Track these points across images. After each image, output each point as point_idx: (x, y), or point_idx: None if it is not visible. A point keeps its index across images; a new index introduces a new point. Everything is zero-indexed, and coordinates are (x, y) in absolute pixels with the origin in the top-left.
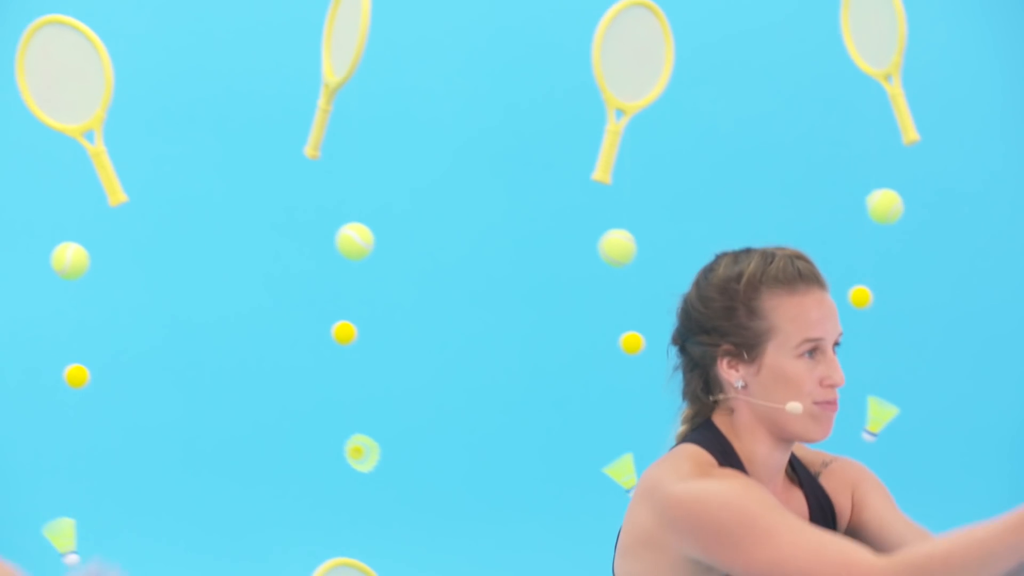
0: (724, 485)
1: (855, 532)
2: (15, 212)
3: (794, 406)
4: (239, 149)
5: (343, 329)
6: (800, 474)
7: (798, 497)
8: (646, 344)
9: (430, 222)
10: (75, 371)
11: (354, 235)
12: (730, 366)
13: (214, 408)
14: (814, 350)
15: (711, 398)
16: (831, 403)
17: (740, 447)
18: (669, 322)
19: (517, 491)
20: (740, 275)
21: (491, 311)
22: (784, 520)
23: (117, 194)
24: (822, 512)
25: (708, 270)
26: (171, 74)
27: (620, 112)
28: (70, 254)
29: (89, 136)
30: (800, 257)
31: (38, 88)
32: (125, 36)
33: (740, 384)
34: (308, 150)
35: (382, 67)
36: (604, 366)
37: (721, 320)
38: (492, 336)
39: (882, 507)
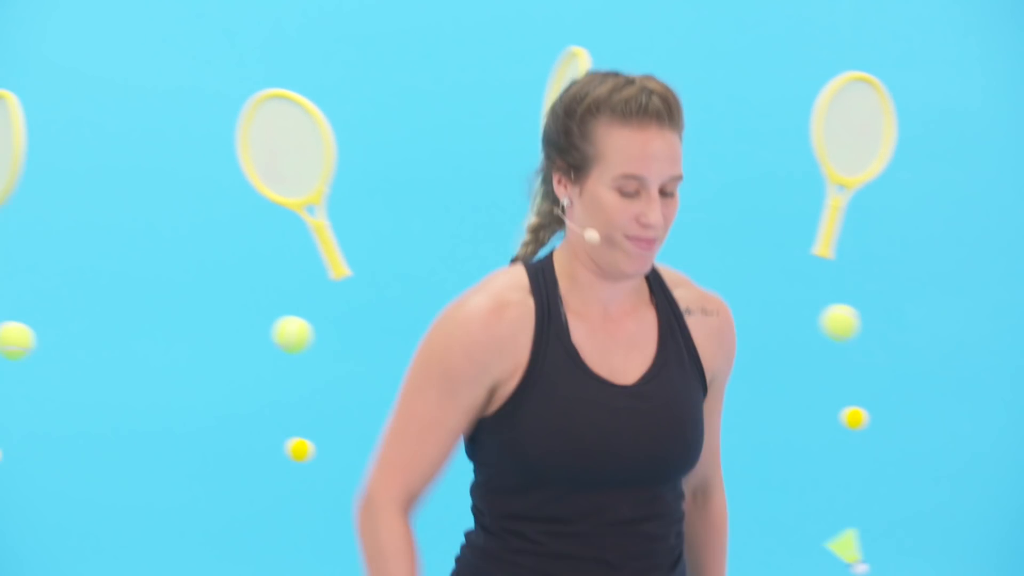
0: (446, 330)
1: None
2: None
3: (591, 234)
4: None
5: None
6: (662, 305)
7: (647, 323)
8: (869, 418)
9: None
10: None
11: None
12: (560, 183)
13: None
14: (636, 188)
15: (553, 213)
16: (642, 240)
17: (565, 273)
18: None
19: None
20: (585, 96)
21: None
22: (422, 398)
23: (340, 268)
24: (676, 344)
25: (571, 83)
26: (389, 145)
27: (841, 187)
28: (294, 328)
29: (310, 210)
30: (656, 92)
31: (260, 161)
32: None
33: (566, 203)
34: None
35: None
36: (824, 440)
37: (560, 136)
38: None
39: (718, 399)
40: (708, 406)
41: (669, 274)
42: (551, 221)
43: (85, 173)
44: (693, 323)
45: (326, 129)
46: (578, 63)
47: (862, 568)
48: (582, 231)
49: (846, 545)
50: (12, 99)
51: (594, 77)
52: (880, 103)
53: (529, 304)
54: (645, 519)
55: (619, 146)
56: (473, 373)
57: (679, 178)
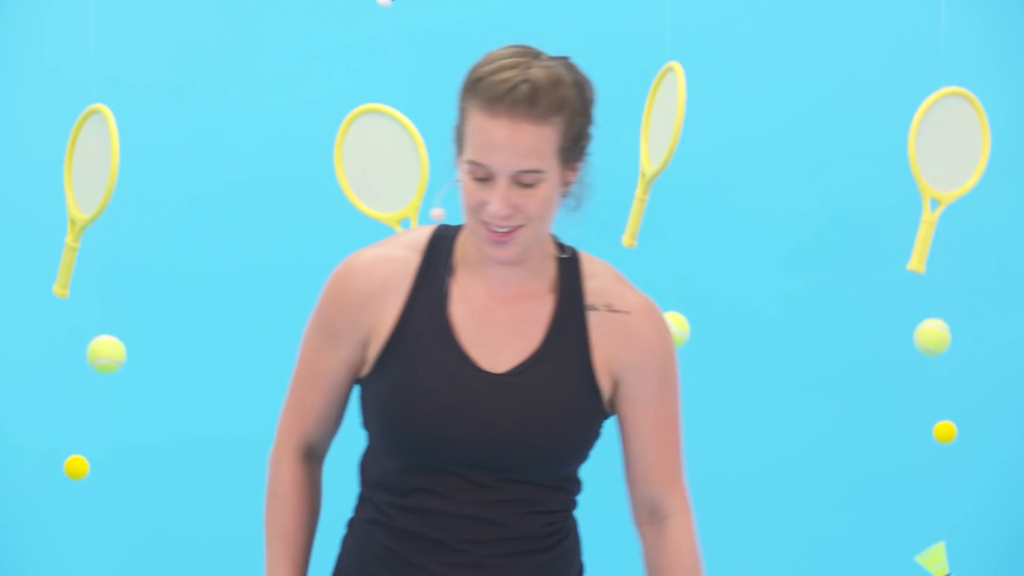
0: (331, 280)
1: (616, 407)
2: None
3: (435, 212)
4: None
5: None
6: (566, 296)
7: (540, 312)
8: (959, 434)
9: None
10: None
11: None
12: (456, 155)
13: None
14: (485, 176)
15: None
16: (494, 233)
17: (462, 245)
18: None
19: None
20: (473, 71)
21: (808, 400)
22: (310, 346)
23: None
24: (565, 340)
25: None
26: None
27: (936, 202)
28: None
29: (405, 224)
30: (532, 81)
31: (355, 176)
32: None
33: (457, 176)
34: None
35: None
36: (917, 454)
37: (457, 109)
38: (814, 426)
39: (646, 409)
40: (638, 417)
41: (592, 266)
42: None
43: (179, 187)
44: (594, 319)
45: (421, 144)
46: (675, 77)
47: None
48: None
49: (935, 558)
50: (108, 112)
51: (496, 52)
52: (976, 118)
53: (412, 264)
54: (494, 506)
55: (473, 131)
56: (346, 324)
57: (533, 172)
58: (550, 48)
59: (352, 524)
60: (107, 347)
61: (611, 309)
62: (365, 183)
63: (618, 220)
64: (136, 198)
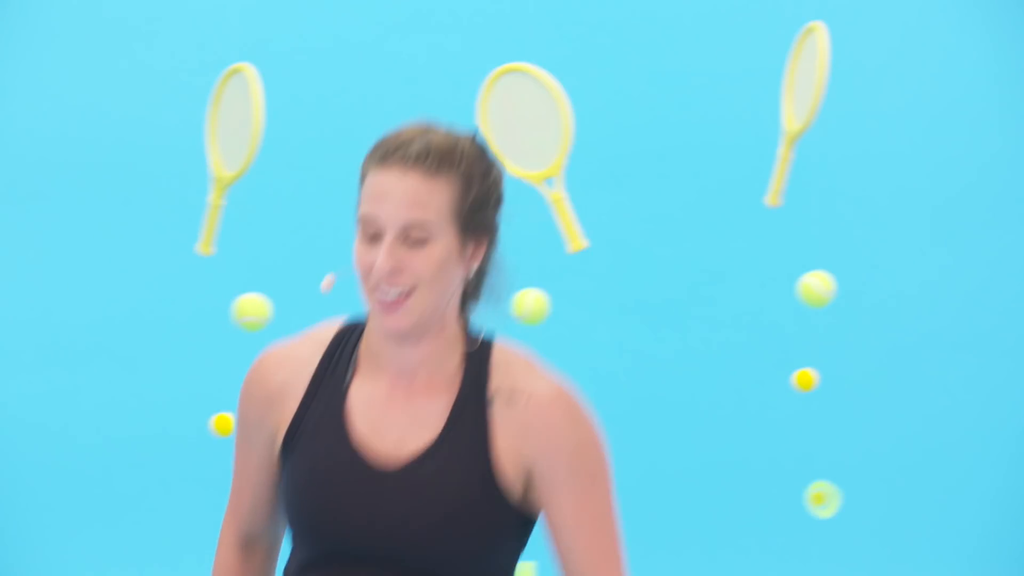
0: (250, 369)
1: (530, 502)
2: None
3: (326, 279)
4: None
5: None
6: (467, 387)
7: (439, 404)
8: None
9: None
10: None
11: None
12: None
13: None
14: (375, 234)
15: None
16: (382, 302)
17: (367, 338)
18: None
19: None
20: (376, 140)
21: (955, 363)
22: (236, 439)
23: (577, 240)
24: (464, 434)
25: None
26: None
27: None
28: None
29: (549, 182)
30: (429, 141)
31: (500, 135)
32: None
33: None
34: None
35: None
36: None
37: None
38: (958, 387)
39: (563, 500)
40: (556, 513)
41: (502, 355)
42: None
43: (317, 146)
44: (497, 410)
45: (564, 102)
46: (816, 39)
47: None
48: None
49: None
50: (250, 71)
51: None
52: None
53: (314, 360)
54: None
55: (365, 188)
56: (255, 420)
57: (420, 224)
58: (695, 9)
59: None
60: (253, 304)
61: (509, 401)
62: (510, 142)
63: (762, 179)
64: (278, 155)
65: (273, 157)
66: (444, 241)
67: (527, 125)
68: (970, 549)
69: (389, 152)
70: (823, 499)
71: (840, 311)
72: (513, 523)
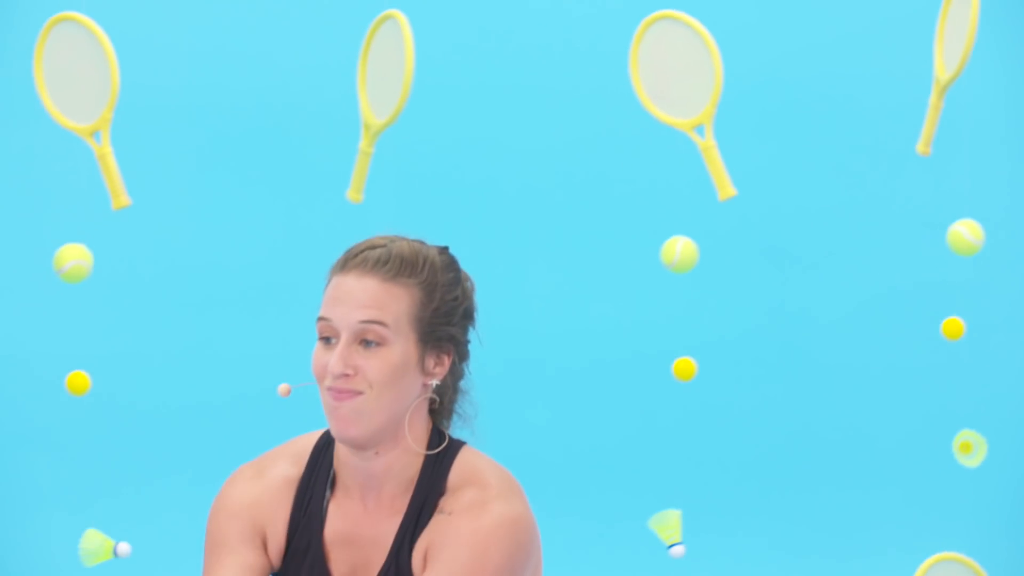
0: (214, 504)
1: None
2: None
3: (281, 388)
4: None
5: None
6: (415, 505)
7: (387, 528)
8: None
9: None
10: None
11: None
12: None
13: None
14: (329, 337)
15: None
16: (333, 390)
17: (338, 455)
18: None
19: None
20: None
21: None
22: (210, 554)
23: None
24: (398, 558)
25: None
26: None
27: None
28: (679, 247)
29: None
30: (390, 249)
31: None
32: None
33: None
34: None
35: None
36: None
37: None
38: None
39: None
40: None
41: (462, 475)
42: None
43: (473, 93)
44: (431, 526)
45: (715, 50)
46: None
47: (679, 550)
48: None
49: (668, 526)
50: (402, 17)
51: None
52: None
53: (295, 479)
54: None
55: (326, 291)
56: (238, 528)
57: (374, 323)
58: None
59: None
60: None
61: (443, 512)
62: (660, 90)
63: (912, 128)
64: (426, 105)
65: (423, 106)
66: (400, 348)
67: (678, 73)
68: None
69: (351, 258)
70: (970, 448)
71: (989, 260)
72: None
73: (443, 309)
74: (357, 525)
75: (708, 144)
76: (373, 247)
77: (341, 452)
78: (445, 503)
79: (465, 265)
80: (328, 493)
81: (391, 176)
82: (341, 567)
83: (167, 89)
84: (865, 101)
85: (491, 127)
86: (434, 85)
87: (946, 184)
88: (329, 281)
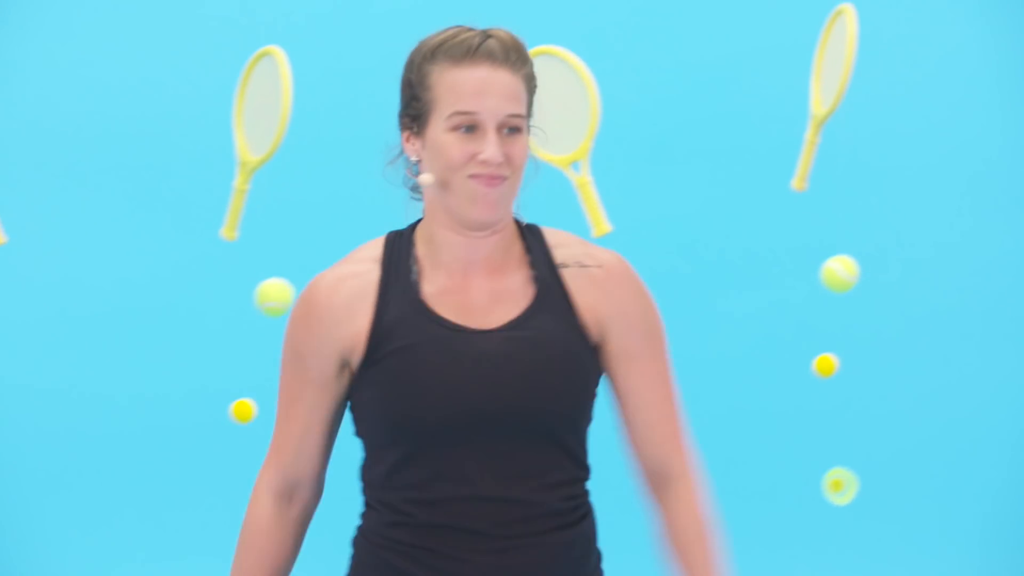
0: (295, 309)
1: (605, 362)
2: None
3: (425, 177)
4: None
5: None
6: (537, 260)
7: (519, 278)
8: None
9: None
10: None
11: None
12: (408, 140)
13: None
14: (472, 126)
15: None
16: (484, 177)
17: (424, 238)
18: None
19: None
20: (422, 48)
21: (984, 350)
22: (283, 378)
23: (601, 225)
24: (552, 296)
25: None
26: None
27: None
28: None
29: (575, 166)
30: (494, 36)
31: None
32: None
33: (415, 159)
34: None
35: None
36: None
37: (404, 93)
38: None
39: (636, 363)
40: (630, 372)
41: (553, 235)
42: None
43: (342, 130)
44: (569, 275)
45: (592, 85)
46: (845, 21)
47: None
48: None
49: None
50: (279, 54)
51: (436, 32)
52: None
53: (373, 273)
54: (511, 482)
55: (452, 85)
56: (317, 345)
57: (519, 116)
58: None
59: (365, 533)
60: (276, 290)
61: (581, 265)
62: (537, 125)
63: (788, 162)
64: (302, 139)
65: (300, 141)
66: (525, 133)
67: (554, 108)
68: (983, 535)
69: (466, 52)
70: (841, 486)
71: (864, 296)
72: (597, 381)
73: (533, 91)
74: (466, 290)
75: (583, 180)
76: (482, 39)
77: (439, 238)
78: (566, 258)
79: None
80: (415, 270)
81: (267, 212)
82: (458, 317)
83: (44, 122)
84: (741, 137)
85: (366, 163)
86: (311, 120)
87: (821, 220)
88: (436, 78)
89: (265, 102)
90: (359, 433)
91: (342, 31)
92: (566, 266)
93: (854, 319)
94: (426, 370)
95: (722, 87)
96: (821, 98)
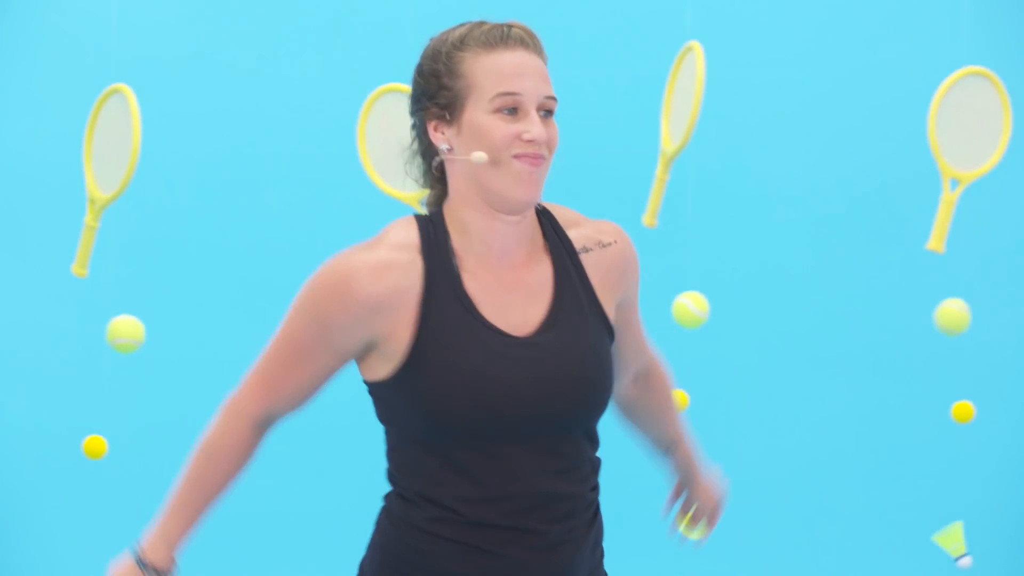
0: (331, 277)
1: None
2: None
3: (478, 155)
4: None
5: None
6: (557, 249)
7: (542, 272)
8: (977, 413)
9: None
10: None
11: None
12: (436, 130)
13: None
14: (514, 108)
15: (437, 173)
16: (529, 156)
17: (456, 227)
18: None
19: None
20: (447, 39)
21: (828, 378)
22: (301, 330)
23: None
24: (573, 289)
25: (431, 40)
26: None
27: (955, 182)
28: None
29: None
30: (516, 26)
31: (377, 155)
32: None
33: (446, 147)
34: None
35: None
36: (935, 433)
37: (429, 84)
38: (835, 404)
39: (632, 310)
40: (630, 315)
41: (562, 215)
42: (442, 191)
43: (199, 164)
44: (590, 261)
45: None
46: (695, 57)
47: (966, 562)
48: (463, 160)
49: (952, 538)
50: (128, 92)
51: (449, 29)
52: (997, 97)
53: (417, 264)
54: (557, 476)
55: (490, 69)
56: (348, 323)
57: (554, 99)
58: (572, 30)
59: (398, 524)
60: (126, 327)
61: (602, 245)
62: (387, 162)
63: (639, 199)
64: (155, 176)
65: (149, 178)
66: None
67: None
68: None
69: (497, 39)
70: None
71: (717, 332)
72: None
73: None
74: (502, 284)
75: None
76: (507, 28)
77: (475, 222)
78: (583, 240)
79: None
80: (455, 263)
81: (118, 248)
82: (498, 319)
83: None
84: (593, 173)
85: (222, 196)
86: (162, 157)
87: (672, 254)
88: (469, 65)
89: (115, 139)
90: (390, 422)
91: (192, 71)
92: (587, 251)
93: (705, 356)
94: (472, 373)
95: (571, 124)
96: (671, 135)
